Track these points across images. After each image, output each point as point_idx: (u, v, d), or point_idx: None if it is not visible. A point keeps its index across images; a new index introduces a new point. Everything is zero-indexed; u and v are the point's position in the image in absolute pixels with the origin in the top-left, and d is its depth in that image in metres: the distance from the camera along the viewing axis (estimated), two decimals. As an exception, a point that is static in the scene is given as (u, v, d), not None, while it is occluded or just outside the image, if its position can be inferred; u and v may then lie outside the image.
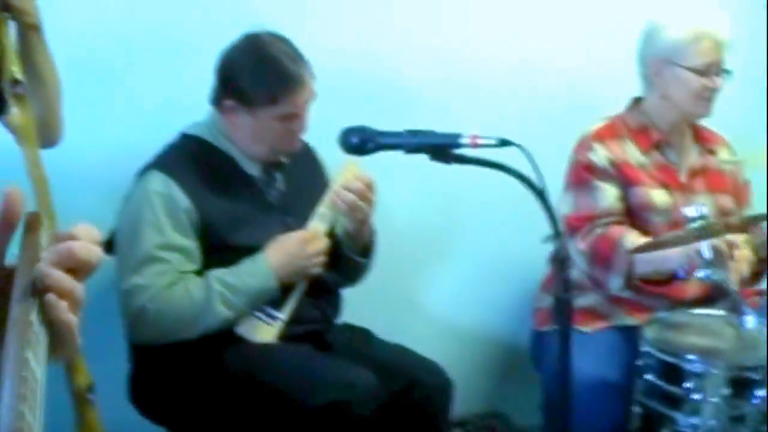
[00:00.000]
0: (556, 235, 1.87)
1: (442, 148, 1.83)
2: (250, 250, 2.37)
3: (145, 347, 2.40)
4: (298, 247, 2.39)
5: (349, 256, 2.56)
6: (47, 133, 2.03)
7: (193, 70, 2.69)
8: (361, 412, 2.25)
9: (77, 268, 0.83)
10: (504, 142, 1.79)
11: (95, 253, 0.85)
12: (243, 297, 2.33)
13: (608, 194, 2.68)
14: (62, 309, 0.81)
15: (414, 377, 2.47)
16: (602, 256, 2.64)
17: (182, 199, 2.34)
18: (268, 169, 2.51)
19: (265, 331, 2.39)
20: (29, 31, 1.89)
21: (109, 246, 2.44)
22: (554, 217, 1.86)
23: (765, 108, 2.87)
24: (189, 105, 2.57)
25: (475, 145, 1.81)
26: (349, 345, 2.57)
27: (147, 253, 2.31)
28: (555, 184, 1.88)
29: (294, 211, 2.50)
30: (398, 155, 2.86)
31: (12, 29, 1.86)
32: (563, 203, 2.72)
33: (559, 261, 1.87)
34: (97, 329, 2.50)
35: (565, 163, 2.77)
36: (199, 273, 2.35)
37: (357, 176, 2.44)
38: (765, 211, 2.83)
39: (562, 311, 1.89)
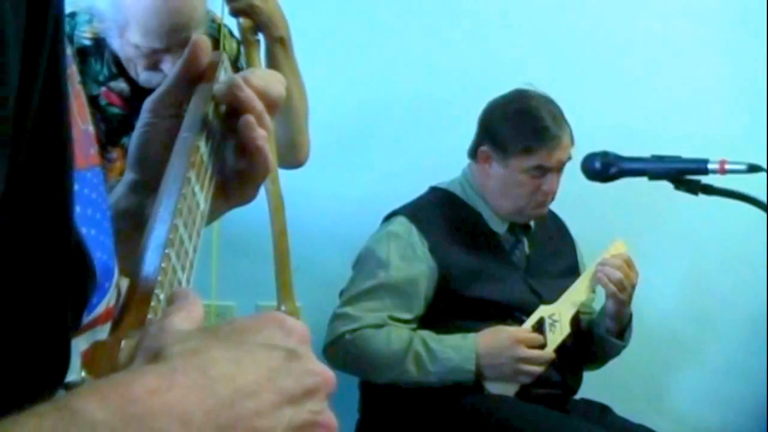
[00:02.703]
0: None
1: (687, 174, 1.79)
2: (491, 304, 2.38)
3: (378, 391, 2.43)
4: (509, 343, 2.32)
5: (604, 337, 2.50)
6: (293, 152, 2.06)
7: (443, 133, 2.82)
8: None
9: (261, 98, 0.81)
10: (753, 168, 1.73)
11: (279, 87, 0.82)
12: (437, 367, 2.31)
13: None
14: (260, 133, 0.78)
15: None
16: None
17: (419, 246, 2.39)
18: (515, 230, 2.53)
19: (505, 386, 2.36)
20: (275, 44, 1.88)
21: None
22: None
23: (765, 113, 2.65)
24: (435, 166, 2.68)
25: (724, 171, 1.75)
26: (587, 414, 2.50)
27: (366, 288, 2.39)
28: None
29: (537, 276, 2.49)
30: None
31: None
32: None
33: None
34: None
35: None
36: (410, 322, 2.37)
37: (616, 255, 2.41)
38: None
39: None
